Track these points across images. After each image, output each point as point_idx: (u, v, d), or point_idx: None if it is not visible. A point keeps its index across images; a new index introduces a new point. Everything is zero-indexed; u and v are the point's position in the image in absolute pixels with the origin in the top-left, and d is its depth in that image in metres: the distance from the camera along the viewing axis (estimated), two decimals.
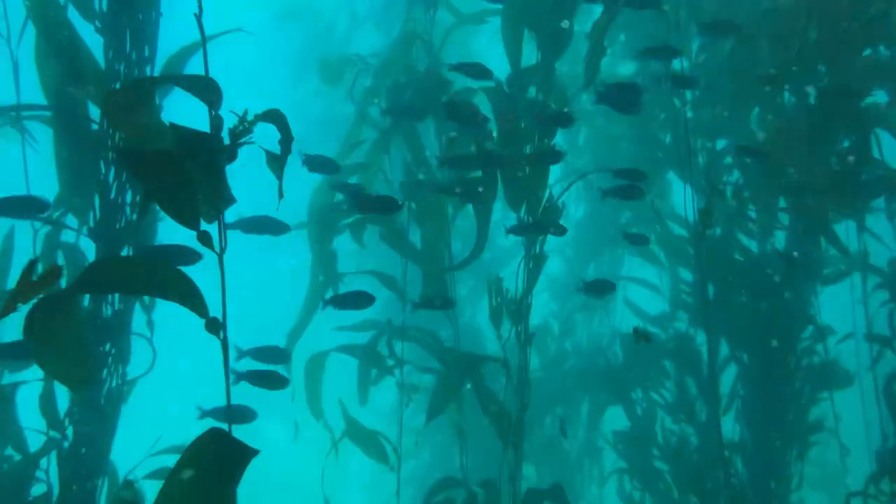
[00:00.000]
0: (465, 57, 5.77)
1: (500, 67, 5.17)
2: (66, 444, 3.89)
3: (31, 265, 1.88)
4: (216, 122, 2.46)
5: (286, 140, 2.67)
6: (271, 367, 4.63)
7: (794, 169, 5.74)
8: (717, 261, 6.06)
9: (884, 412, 5.73)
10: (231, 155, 2.49)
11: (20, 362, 3.96)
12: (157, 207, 3.44)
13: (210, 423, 4.40)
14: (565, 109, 5.06)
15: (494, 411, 5.18)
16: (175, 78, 3.33)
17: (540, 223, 4.94)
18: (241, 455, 2.26)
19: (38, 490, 3.93)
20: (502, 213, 5.38)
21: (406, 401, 5.60)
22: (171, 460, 2.88)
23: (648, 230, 6.87)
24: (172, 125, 2.35)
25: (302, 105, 12.26)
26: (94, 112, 4.01)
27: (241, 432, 2.51)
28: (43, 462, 3.92)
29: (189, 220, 2.33)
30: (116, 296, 4.00)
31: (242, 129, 2.48)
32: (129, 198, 4.03)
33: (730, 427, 6.02)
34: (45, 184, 4.05)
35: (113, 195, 3.99)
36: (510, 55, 5.16)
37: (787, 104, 5.84)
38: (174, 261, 3.51)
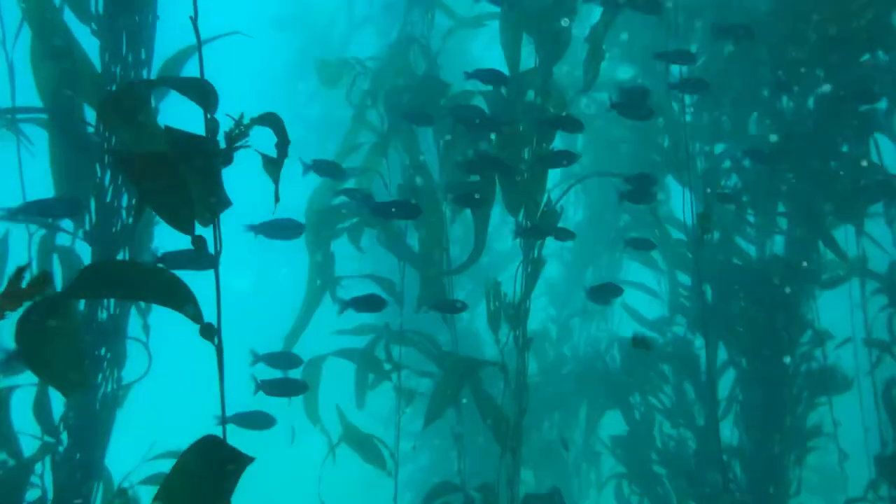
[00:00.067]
0: (463, 60, 5.76)
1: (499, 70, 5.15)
2: (60, 449, 3.87)
3: (19, 272, 1.85)
4: (212, 125, 2.44)
5: (282, 144, 2.65)
6: (283, 374, 4.65)
7: (794, 174, 5.74)
8: (716, 265, 6.06)
9: (883, 417, 5.72)
10: (227, 159, 2.47)
11: (14, 367, 3.93)
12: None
13: (206, 428, 4.37)
14: (564, 114, 5.05)
15: (492, 416, 5.16)
16: (170, 81, 3.32)
17: (547, 228, 4.93)
18: (237, 462, 2.23)
19: (32, 495, 3.90)
20: (500, 217, 5.37)
21: (403, 405, 5.58)
22: (166, 465, 2.85)
23: (647, 234, 6.86)
24: (167, 128, 2.33)
25: (300, 108, 12.26)
26: (91, 115, 3.99)
27: (238, 438, 2.49)
28: (37, 467, 3.89)
29: (183, 224, 2.31)
30: (112, 300, 3.98)
31: (238, 133, 2.46)
32: (125, 201, 4.01)
33: (728, 432, 6.01)
34: (41, 187, 4.02)
35: (109, 198, 3.97)
36: (509, 59, 5.15)
37: (787, 109, 5.83)
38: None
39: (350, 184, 5.88)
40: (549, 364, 8.59)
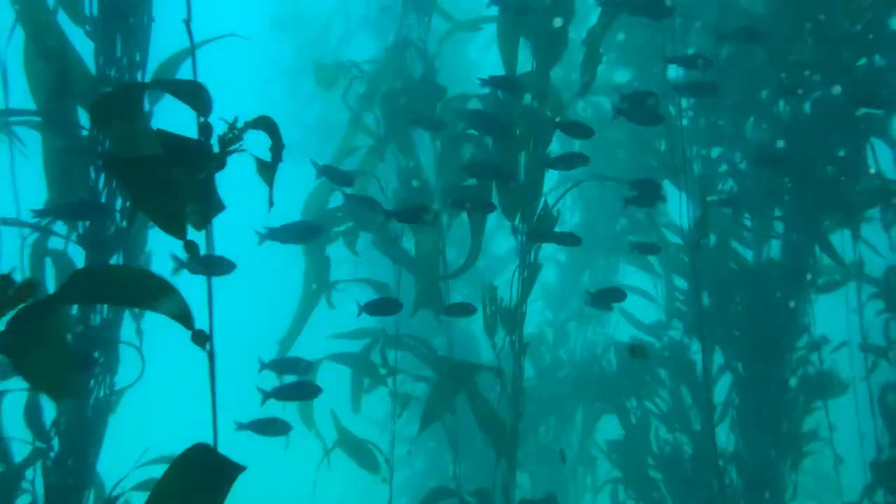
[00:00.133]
0: (460, 64, 5.75)
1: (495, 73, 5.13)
2: (52, 455, 3.83)
3: (6, 279, 1.83)
4: (205, 128, 2.41)
5: (277, 147, 2.63)
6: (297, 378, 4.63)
7: (791, 178, 5.74)
8: (713, 269, 6.05)
9: (878, 422, 5.72)
10: (220, 163, 2.44)
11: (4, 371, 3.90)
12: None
13: (203, 434, 4.34)
14: (558, 119, 5.03)
15: (488, 420, 5.13)
16: (164, 83, 3.29)
17: (553, 234, 4.89)
18: (228, 471, 2.20)
19: (23, 501, 3.86)
20: (497, 221, 5.35)
21: (399, 410, 5.56)
22: (158, 471, 2.82)
23: (644, 238, 6.85)
24: (159, 131, 2.31)
25: (299, 110, 12.24)
26: (84, 117, 3.97)
27: (232, 444, 2.47)
28: (29, 472, 3.85)
29: (175, 228, 2.28)
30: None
31: (232, 137, 2.44)
32: (118, 204, 3.98)
33: (724, 436, 6.00)
34: (34, 190, 4.00)
35: (102, 201, 3.94)
36: (505, 62, 5.14)
37: (783, 113, 5.83)
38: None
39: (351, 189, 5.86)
40: (545, 368, 8.58)
